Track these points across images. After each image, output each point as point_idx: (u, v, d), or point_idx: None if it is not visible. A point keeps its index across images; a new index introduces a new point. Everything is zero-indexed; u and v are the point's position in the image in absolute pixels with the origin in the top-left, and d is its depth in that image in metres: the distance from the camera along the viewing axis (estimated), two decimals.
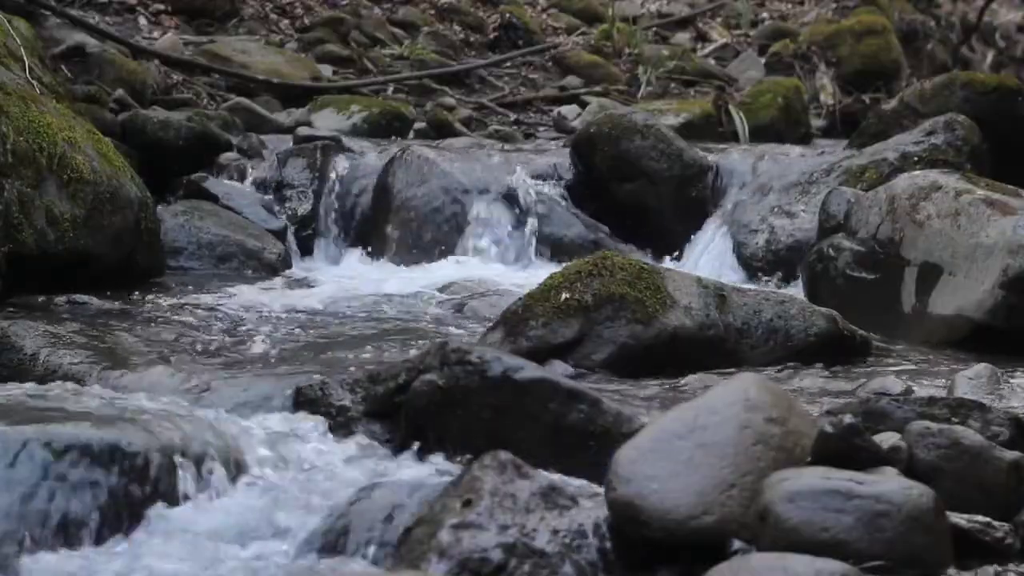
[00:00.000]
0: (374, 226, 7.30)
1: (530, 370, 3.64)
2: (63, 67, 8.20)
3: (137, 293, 5.86)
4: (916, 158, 6.80)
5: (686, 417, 3.19)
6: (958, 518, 3.12)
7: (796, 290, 6.02)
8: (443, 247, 7.16)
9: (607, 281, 4.72)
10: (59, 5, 8.90)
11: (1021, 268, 5.28)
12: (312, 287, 6.42)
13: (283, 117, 8.61)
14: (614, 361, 4.66)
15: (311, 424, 3.80)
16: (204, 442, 3.52)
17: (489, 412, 3.59)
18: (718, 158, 7.57)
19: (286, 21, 10.24)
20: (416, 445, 3.68)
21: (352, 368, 4.35)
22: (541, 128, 9.39)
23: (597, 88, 9.94)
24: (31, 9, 8.48)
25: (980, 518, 3.16)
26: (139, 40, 9.21)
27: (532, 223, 7.25)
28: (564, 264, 6.40)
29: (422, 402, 3.66)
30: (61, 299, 5.54)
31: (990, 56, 12.14)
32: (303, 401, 3.90)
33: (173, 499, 3.39)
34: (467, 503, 3.08)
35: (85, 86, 8.03)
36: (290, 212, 7.35)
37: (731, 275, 6.63)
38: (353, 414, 3.80)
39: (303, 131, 8.03)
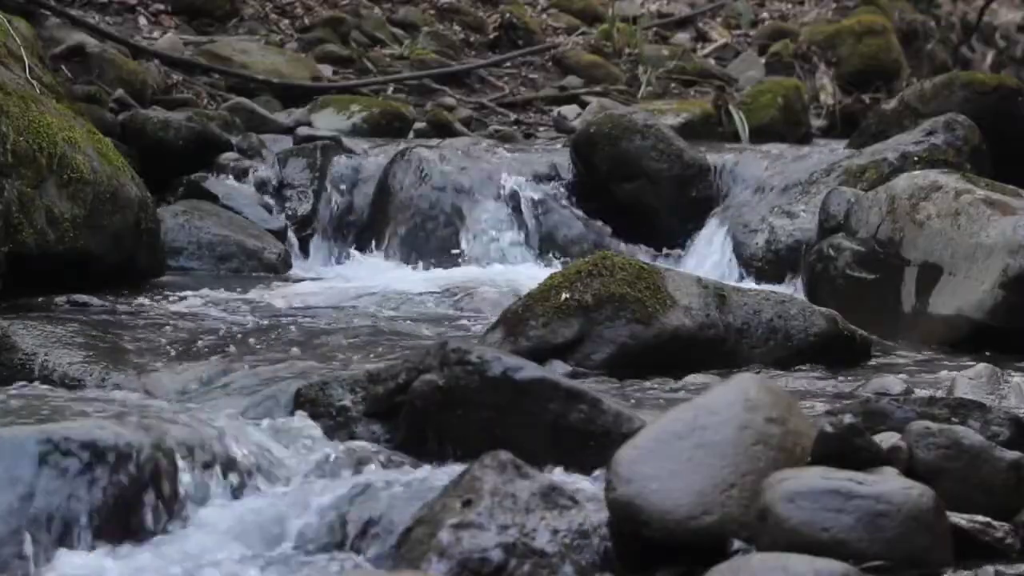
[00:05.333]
0: (374, 226, 7.30)
1: (530, 370, 3.63)
2: (63, 67, 8.20)
3: (137, 293, 5.86)
4: (916, 158, 6.80)
5: (686, 417, 3.18)
6: (958, 518, 3.12)
7: (796, 290, 6.02)
8: (443, 247, 7.16)
9: (607, 281, 4.72)
10: (59, 5, 8.89)
11: (1021, 268, 5.28)
12: (312, 287, 6.42)
13: (283, 117, 8.61)
14: (614, 361, 4.66)
15: (311, 424, 3.80)
16: (204, 442, 3.52)
17: (489, 412, 3.59)
18: (718, 158, 7.57)
19: (286, 21, 10.24)
20: (416, 445, 3.67)
21: (352, 368, 4.35)
22: (541, 128, 9.38)
23: (597, 88, 9.94)
24: (31, 9, 8.48)
25: (980, 518, 3.16)
26: (139, 40, 9.21)
27: (532, 223, 7.25)
28: (564, 264, 6.42)
29: (422, 402, 3.66)
30: (61, 299, 5.54)
31: (990, 56, 12.13)
32: (303, 401, 3.89)
33: (173, 500, 3.39)
34: (467, 503, 3.08)
35: (85, 86, 8.03)
36: (290, 212, 7.35)
37: (731, 275, 6.64)
38: (353, 414, 3.80)
39: (303, 131, 8.03)
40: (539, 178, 7.48)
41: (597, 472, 3.43)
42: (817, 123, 9.83)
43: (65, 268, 5.81)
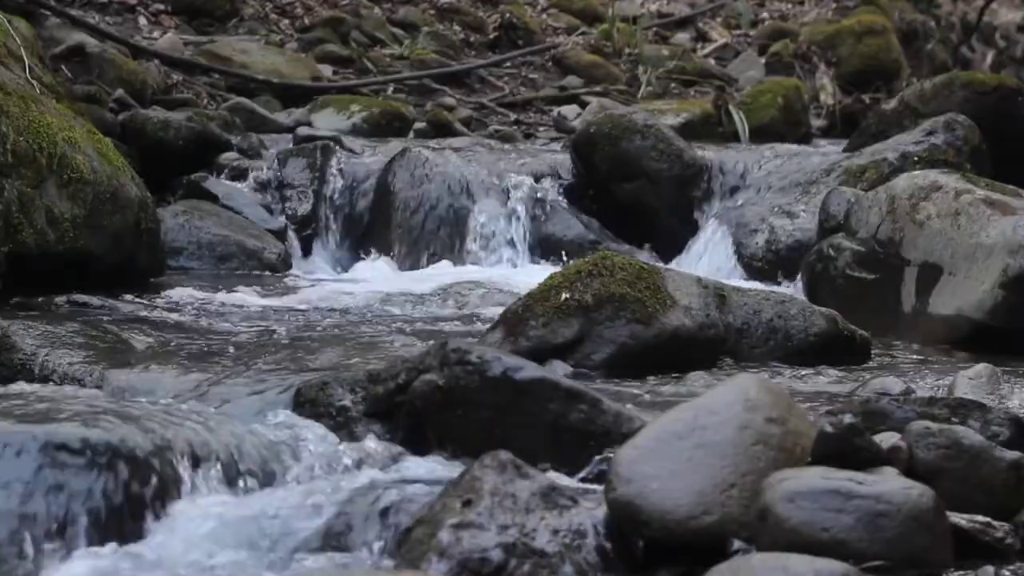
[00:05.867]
0: (374, 226, 7.30)
1: (530, 370, 3.64)
2: (63, 67, 8.20)
3: (137, 293, 5.86)
4: (916, 158, 6.80)
5: (686, 417, 3.18)
6: (958, 518, 3.12)
7: (796, 290, 6.02)
8: (443, 247, 7.16)
9: (607, 281, 4.72)
10: (59, 5, 8.90)
11: (1021, 268, 5.28)
12: (312, 287, 6.42)
13: (283, 117, 8.62)
14: (614, 361, 4.65)
15: (311, 424, 3.80)
16: (204, 443, 3.52)
17: (489, 412, 3.59)
18: (718, 158, 7.56)
19: (286, 21, 10.25)
20: (416, 445, 3.67)
21: (352, 368, 4.34)
22: (541, 128, 9.39)
23: (597, 88, 9.94)
24: (31, 9, 8.49)
25: (980, 518, 3.16)
26: (139, 40, 9.21)
27: (532, 223, 7.25)
28: (564, 264, 6.42)
29: (422, 402, 3.66)
30: (61, 299, 5.54)
31: (990, 56, 12.14)
32: (303, 401, 3.89)
33: (173, 500, 3.39)
34: (467, 503, 3.08)
35: (85, 86, 8.03)
36: (290, 212, 7.35)
37: (731, 275, 6.63)
38: (353, 414, 3.80)
39: (303, 131, 8.04)
40: (539, 178, 7.48)
41: (595, 470, 3.44)
42: (817, 123, 9.83)
43: (65, 268, 5.81)
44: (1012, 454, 3.28)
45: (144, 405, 3.82)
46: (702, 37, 11.47)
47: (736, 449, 3.11)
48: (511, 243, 7.21)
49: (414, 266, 7.07)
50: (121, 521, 3.29)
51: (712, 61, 10.93)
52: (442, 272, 6.86)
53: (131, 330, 5.08)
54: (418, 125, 8.85)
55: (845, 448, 3.15)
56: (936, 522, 3.00)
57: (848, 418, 3.20)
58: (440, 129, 8.78)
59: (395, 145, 7.83)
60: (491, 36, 10.73)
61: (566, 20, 11.23)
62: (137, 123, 7.53)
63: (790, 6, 12.21)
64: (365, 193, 7.38)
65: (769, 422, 3.16)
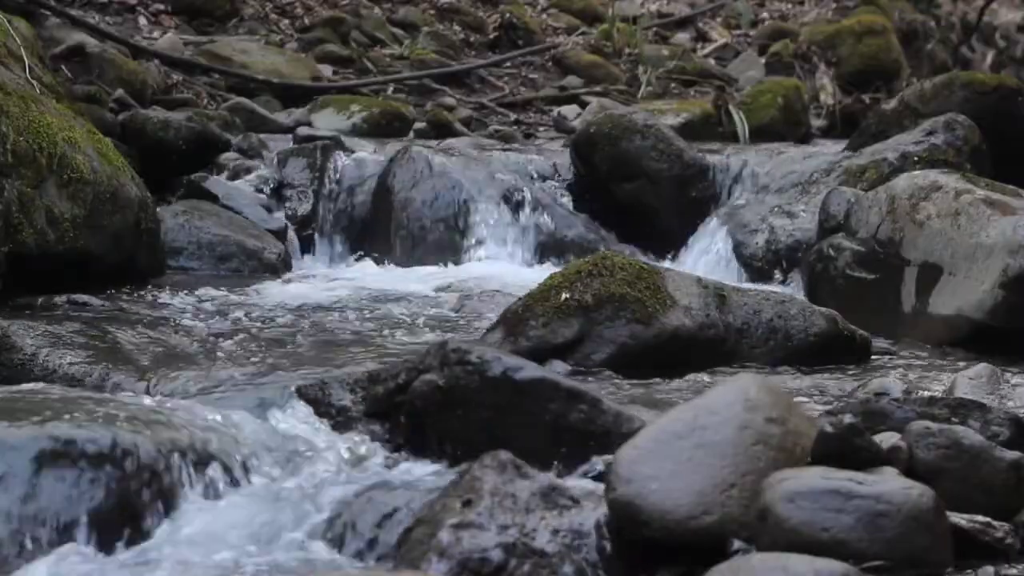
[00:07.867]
0: (374, 226, 7.30)
1: (530, 370, 3.64)
2: (63, 67, 8.20)
3: (137, 293, 5.86)
4: (916, 158, 6.80)
5: (686, 417, 3.19)
6: (958, 518, 3.12)
7: (796, 290, 6.02)
8: (443, 247, 7.16)
9: (607, 281, 4.72)
10: (59, 5, 8.90)
11: (1021, 268, 5.28)
12: (312, 287, 6.42)
13: (283, 117, 8.62)
14: (614, 361, 4.66)
15: (311, 424, 3.80)
16: (204, 442, 3.52)
17: (489, 412, 3.59)
18: (718, 158, 7.57)
19: (286, 21, 10.25)
20: (416, 445, 3.68)
21: (352, 368, 4.35)
22: (541, 128, 9.39)
23: (597, 88, 9.94)
24: (31, 9, 8.49)
25: (980, 518, 3.16)
26: (139, 40, 9.21)
27: (532, 223, 7.25)
28: (564, 264, 6.42)
29: (422, 402, 3.66)
30: (61, 299, 5.54)
31: (990, 56, 12.13)
32: (303, 401, 3.89)
33: (173, 500, 3.39)
34: (467, 503, 3.08)
35: (85, 86, 8.03)
36: (290, 212, 7.34)
37: (731, 275, 6.63)
38: (353, 414, 3.80)
39: (303, 131, 8.04)
40: (539, 178, 7.48)
41: (595, 471, 3.44)
42: (817, 123, 9.83)
43: (65, 268, 5.81)
44: (1012, 454, 3.28)
45: (145, 405, 3.82)
46: (702, 37, 11.48)
47: (736, 449, 3.11)
48: (511, 243, 7.21)
49: (414, 266, 7.06)
50: (121, 521, 3.29)
51: (712, 61, 10.93)
52: (442, 272, 6.86)
53: (131, 330, 5.08)
54: (418, 125, 8.85)
55: (845, 448, 3.15)
56: (936, 522, 3.00)
57: (848, 418, 3.20)
58: (440, 129, 8.78)
59: (395, 145, 7.83)
60: (491, 36, 10.73)
61: (566, 20, 11.23)
62: (137, 123, 7.53)
63: (790, 6, 12.21)
64: (365, 193, 7.38)
65: (769, 422, 3.16)
